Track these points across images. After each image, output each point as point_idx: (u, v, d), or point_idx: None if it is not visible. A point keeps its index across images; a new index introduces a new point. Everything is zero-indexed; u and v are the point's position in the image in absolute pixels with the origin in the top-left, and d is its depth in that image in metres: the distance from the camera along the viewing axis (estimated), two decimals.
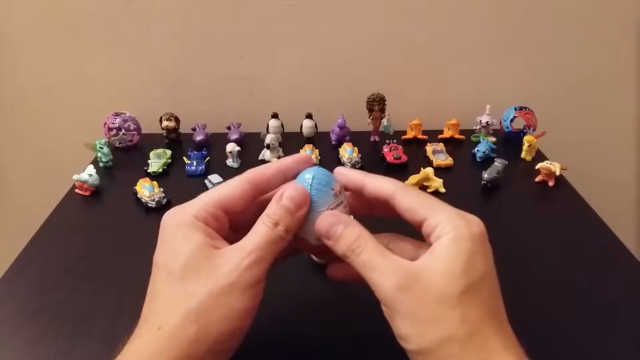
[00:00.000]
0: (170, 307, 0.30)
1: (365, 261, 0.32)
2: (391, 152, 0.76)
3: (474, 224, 0.32)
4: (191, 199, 0.35)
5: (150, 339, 0.30)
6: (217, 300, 0.30)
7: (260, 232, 0.33)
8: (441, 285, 0.29)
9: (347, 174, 0.37)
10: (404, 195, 0.34)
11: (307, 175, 0.35)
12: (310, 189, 0.34)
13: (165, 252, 0.32)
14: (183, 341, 0.29)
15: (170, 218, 0.34)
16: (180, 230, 0.32)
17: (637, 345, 0.44)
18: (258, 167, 0.36)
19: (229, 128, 0.83)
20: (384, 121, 0.82)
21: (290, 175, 0.37)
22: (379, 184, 0.35)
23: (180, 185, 0.70)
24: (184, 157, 0.76)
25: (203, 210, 0.33)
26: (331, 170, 0.37)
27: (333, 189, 0.35)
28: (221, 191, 0.34)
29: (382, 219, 0.37)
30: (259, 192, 0.36)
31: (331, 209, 0.35)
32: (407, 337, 0.30)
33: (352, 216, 0.36)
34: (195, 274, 0.31)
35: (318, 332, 0.45)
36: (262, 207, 0.35)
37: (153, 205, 0.63)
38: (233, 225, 0.36)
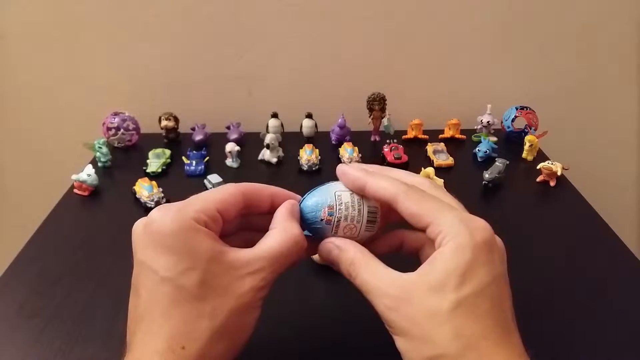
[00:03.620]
0: (191, 327, 0.29)
1: (360, 284, 0.32)
2: (392, 152, 0.75)
3: (478, 230, 0.30)
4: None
5: (175, 358, 0.29)
6: (236, 318, 0.31)
7: (285, 250, 0.32)
8: (431, 301, 0.29)
9: (348, 174, 0.35)
10: (406, 200, 0.32)
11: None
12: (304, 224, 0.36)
13: (170, 264, 0.29)
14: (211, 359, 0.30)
15: (167, 221, 0.30)
16: (182, 237, 0.30)
17: (638, 345, 0.44)
18: (254, 185, 0.35)
19: (228, 128, 0.83)
20: (385, 121, 0.81)
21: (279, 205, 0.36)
22: (380, 186, 0.33)
23: (179, 185, 0.70)
24: (183, 157, 0.76)
25: (202, 213, 0.31)
26: (333, 170, 0.36)
27: (322, 219, 0.34)
28: (217, 196, 0.33)
29: None
30: (247, 208, 0.35)
31: (334, 233, 0.35)
32: (402, 352, 0.30)
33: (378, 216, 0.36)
34: (212, 292, 0.30)
35: (318, 332, 0.45)
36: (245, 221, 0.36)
37: (152, 205, 0.63)
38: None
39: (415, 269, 0.31)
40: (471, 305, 0.28)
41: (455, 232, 0.30)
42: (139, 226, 0.32)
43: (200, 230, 0.30)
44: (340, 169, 0.35)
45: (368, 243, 0.36)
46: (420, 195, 0.32)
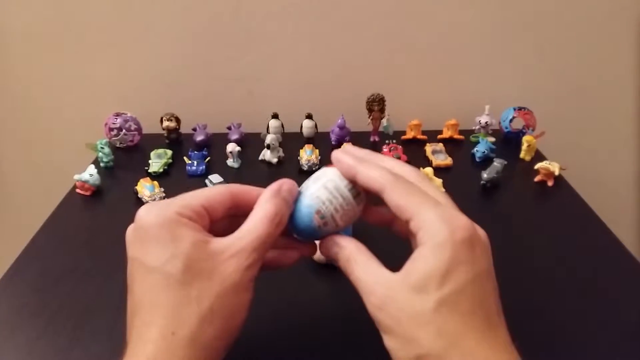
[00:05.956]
0: (180, 313, 0.30)
1: (353, 281, 0.33)
2: (391, 152, 0.76)
3: (458, 228, 0.30)
4: None
5: (167, 345, 0.29)
6: (225, 301, 0.31)
7: (262, 230, 0.33)
8: (414, 301, 0.29)
9: (341, 162, 0.35)
10: (392, 192, 0.32)
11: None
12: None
13: (156, 254, 0.31)
14: (202, 344, 0.30)
15: (152, 216, 0.32)
16: (166, 228, 0.31)
17: (637, 345, 0.44)
18: (244, 186, 0.36)
19: (229, 128, 0.83)
20: (384, 121, 0.82)
21: None
22: (370, 176, 0.33)
23: (180, 185, 0.68)
24: (185, 157, 0.76)
25: (188, 208, 0.33)
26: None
27: (318, 226, 0.35)
28: (204, 193, 0.35)
29: None
30: (235, 208, 0.36)
31: (336, 228, 0.36)
32: (389, 350, 0.31)
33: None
34: (198, 277, 0.31)
35: (316, 331, 0.45)
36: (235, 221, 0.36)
37: None
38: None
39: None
40: (453, 304, 0.29)
41: (434, 231, 0.30)
42: (130, 226, 0.34)
43: (183, 222, 0.32)
44: (334, 156, 0.36)
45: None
46: (405, 188, 0.32)
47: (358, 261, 0.33)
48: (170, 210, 0.32)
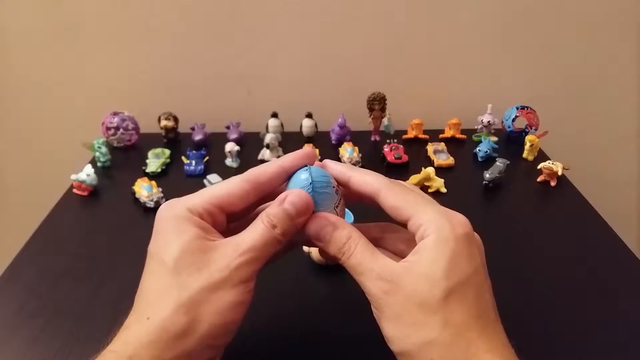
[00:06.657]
0: (160, 299, 0.30)
1: (354, 264, 0.32)
2: (392, 152, 0.75)
3: (458, 224, 0.31)
4: None
5: (139, 329, 0.30)
6: (208, 295, 0.30)
7: (257, 232, 0.32)
8: (423, 290, 0.29)
9: (332, 168, 0.36)
10: (388, 193, 0.33)
11: (303, 176, 0.34)
12: (312, 193, 0.34)
13: (159, 243, 0.32)
14: (171, 333, 0.29)
15: (165, 209, 0.33)
16: (174, 221, 0.32)
17: (638, 344, 0.44)
18: (260, 166, 0.36)
19: (228, 127, 0.82)
20: (385, 120, 0.81)
21: (293, 173, 0.36)
22: (365, 180, 0.34)
23: (178, 185, 0.69)
24: (183, 157, 0.76)
25: (199, 206, 0.33)
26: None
27: (334, 187, 0.35)
28: (221, 189, 0.34)
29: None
30: (260, 192, 0.35)
31: (336, 206, 0.35)
32: (391, 339, 0.31)
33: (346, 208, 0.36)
34: (187, 267, 0.30)
35: (317, 331, 0.45)
36: (261, 203, 0.36)
37: (151, 205, 0.63)
38: (230, 218, 0.35)
39: None
40: (459, 295, 0.29)
41: (436, 225, 0.31)
42: None
43: (190, 218, 0.32)
44: (324, 163, 0.37)
45: None
46: (401, 189, 0.34)
47: (360, 244, 0.32)
48: (183, 206, 0.33)
